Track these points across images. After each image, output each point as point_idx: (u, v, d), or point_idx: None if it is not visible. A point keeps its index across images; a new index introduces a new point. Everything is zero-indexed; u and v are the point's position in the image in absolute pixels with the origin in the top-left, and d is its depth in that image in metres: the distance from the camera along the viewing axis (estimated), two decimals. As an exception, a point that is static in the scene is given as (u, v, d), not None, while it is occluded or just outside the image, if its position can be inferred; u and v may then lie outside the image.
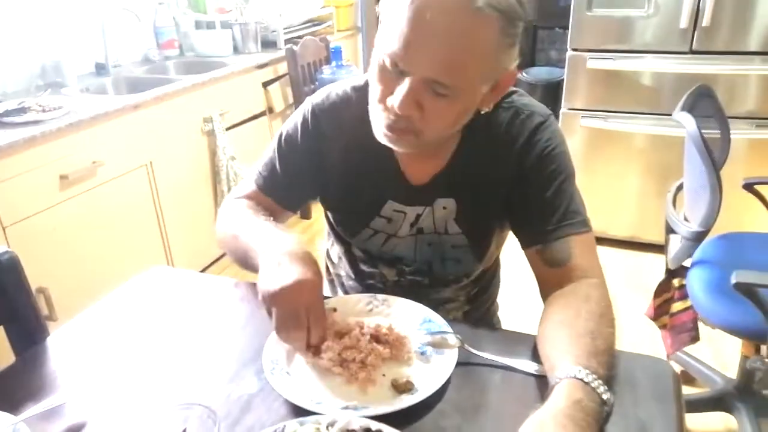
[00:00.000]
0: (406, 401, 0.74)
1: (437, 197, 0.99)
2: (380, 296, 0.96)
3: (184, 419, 0.71)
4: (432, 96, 0.80)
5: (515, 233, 1.00)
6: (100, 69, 2.59)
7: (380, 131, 0.88)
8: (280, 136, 1.06)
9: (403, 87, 0.79)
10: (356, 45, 3.98)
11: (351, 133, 0.99)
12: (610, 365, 0.73)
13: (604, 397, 0.67)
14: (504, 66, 0.82)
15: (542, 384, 0.77)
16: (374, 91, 0.86)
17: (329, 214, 1.12)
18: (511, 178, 0.95)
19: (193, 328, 0.96)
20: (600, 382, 0.68)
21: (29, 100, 2.03)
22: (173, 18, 2.94)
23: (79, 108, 1.98)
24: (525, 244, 0.96)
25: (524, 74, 3.51)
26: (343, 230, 1.09)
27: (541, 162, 0.94)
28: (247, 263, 0.93)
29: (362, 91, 0.96)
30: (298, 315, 0.79)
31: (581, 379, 0.68)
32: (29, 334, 0.98)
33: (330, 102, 1.01)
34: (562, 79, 2.69)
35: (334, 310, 0.92)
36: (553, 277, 0.90)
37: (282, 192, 1.06)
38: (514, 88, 0.99)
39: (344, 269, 1.15)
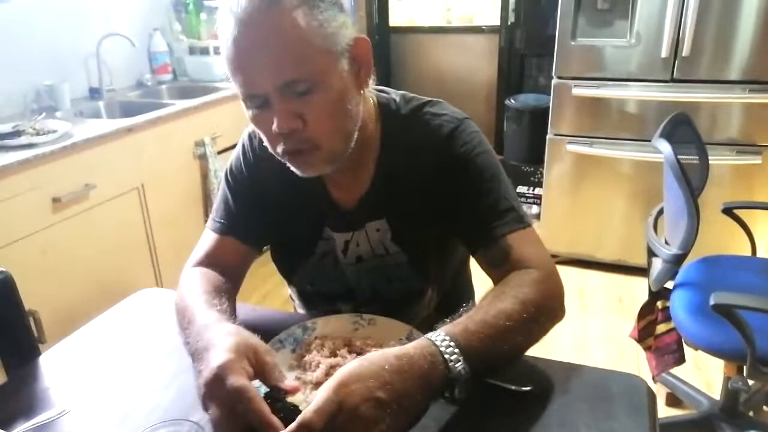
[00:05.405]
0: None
1: (367, 221, 1.00)
2: (366, 315, 0.98)
3: (173, 434, 0.73)
4: (301, 99, 0.81)
5: (459, 241, 1.00)
6: (94, 93, 2.63)
7: (292, 166, 0.89)
8: (226, 173, 1.07)
9: (272, 108, 0.82)
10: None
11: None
12: (496, 345, 0.75)
13: (451, 364, 0.70)
14: (340, 35, 0.83)
15: (526, 399, 0.79)
16: (265, 139, 0.89)
17: (274, 253, 1.11)
18: (435, 189, 0.95)
19: (183, 348, 0.97)
20: (457, 351, 0.71)
21: (24, 123, 2.05)
22: (168, 44, 2.99)
23: (73, 131, 2.01)
24: (468, 250, 0.98)
25: (512, 101, 3.58)
26: (288, 260, 1.08)
27: (460, 168, 0.94)
28: None
29: None
30: (231, 413, 0.67)
31: (433, 342, 0.72)
32: (22, 353, 0.99)
33: None
34: (549, 106, 2.75)
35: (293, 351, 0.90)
36: (498, 277, 0.91)
37: (242, 227, 1.03)
38: (427, 98, 1.00)
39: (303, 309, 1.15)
